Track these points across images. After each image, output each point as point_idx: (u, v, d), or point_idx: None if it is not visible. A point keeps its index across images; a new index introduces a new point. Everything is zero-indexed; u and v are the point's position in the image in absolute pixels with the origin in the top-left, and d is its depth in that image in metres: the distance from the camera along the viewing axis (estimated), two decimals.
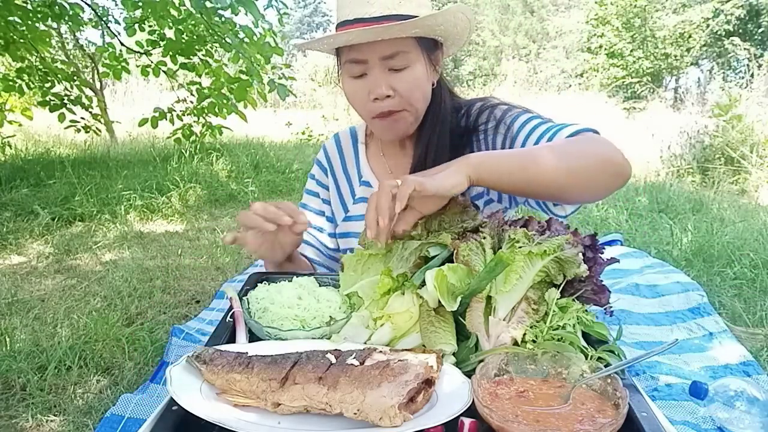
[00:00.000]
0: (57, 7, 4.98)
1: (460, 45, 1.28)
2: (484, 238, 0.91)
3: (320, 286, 1.05)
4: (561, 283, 0.87)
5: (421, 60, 1.16)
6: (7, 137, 5.72)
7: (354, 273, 1.00)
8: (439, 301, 0.85)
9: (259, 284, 1.05)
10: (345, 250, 1.40)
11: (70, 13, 5.10)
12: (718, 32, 14.11)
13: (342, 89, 1.24)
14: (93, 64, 6.79)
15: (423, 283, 0.87)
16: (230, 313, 0.97)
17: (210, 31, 5.08)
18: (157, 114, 5.68)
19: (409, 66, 1.14)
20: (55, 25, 5.91)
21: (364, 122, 1.42)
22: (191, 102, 5.89)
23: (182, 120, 5.93)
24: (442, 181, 0.91)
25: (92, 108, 5.99)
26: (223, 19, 4.99)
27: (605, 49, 14.74)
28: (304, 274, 1.10)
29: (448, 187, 0.91)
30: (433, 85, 1.23)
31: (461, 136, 1.27)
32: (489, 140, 1.25)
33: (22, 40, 4.94)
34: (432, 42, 1.19)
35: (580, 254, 0.86)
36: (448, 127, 1.26)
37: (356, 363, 0.73)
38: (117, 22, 6.24)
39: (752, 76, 6.69)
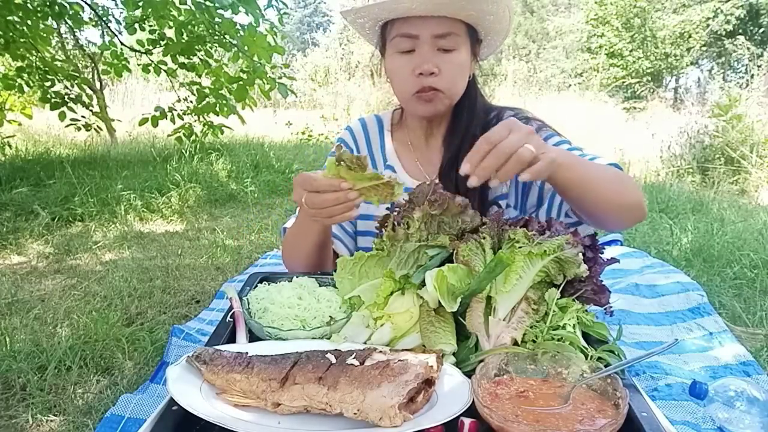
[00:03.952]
0: (57, 6, 4.98)
1: (492, 49, 1.31)
2: (484, 238, 0.91)
3: (320, 286, 1.05)
4: (561, 283, 0.87)
5: (467, 47, 1.20)
6: (7, 137, 5.71)
7: (352, 277, 0.99)
8: (439, 302, 0.85)
9: (259, 284, 1.06)
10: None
11: (70, 12, 5.10)
12: (718, 32, 14.11)
13: (384, 66, 1.27)
14: (93, 64, 6.78)
15: (423, 284, 0.87)
16: (230, 313, 0.97)
17: (210, 30, 5.07)
18: (157, 113, 5.68)
19: (456, 49, 1.18)
20: (54, 24, 5.90)
21: (387, 112, 1.45)
22: (191, 102, 5.88)
23: (183, 119, 5.93)
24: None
25: (92, 106, 5.99)
26: (223, 18, 4.99)
27: (605, 49, 14.74)
28: (305, 275, 1.10)
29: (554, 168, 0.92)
30: (469, 77, 1.26)
31: None
32: None
33: (22, 39, 4.94)
34: (476, 35, 1.23)
35: (580, 254, 0.86)
36: (481, 126, 1.28)
37: (356, 363, 0.73)
38: (117, 21, 6.23)
39: (752, 76, 6.68)
